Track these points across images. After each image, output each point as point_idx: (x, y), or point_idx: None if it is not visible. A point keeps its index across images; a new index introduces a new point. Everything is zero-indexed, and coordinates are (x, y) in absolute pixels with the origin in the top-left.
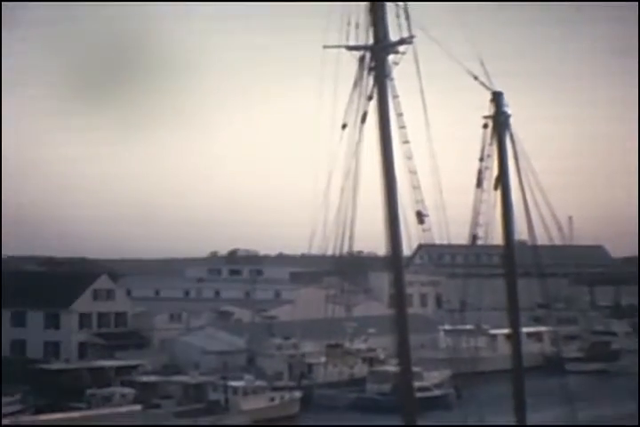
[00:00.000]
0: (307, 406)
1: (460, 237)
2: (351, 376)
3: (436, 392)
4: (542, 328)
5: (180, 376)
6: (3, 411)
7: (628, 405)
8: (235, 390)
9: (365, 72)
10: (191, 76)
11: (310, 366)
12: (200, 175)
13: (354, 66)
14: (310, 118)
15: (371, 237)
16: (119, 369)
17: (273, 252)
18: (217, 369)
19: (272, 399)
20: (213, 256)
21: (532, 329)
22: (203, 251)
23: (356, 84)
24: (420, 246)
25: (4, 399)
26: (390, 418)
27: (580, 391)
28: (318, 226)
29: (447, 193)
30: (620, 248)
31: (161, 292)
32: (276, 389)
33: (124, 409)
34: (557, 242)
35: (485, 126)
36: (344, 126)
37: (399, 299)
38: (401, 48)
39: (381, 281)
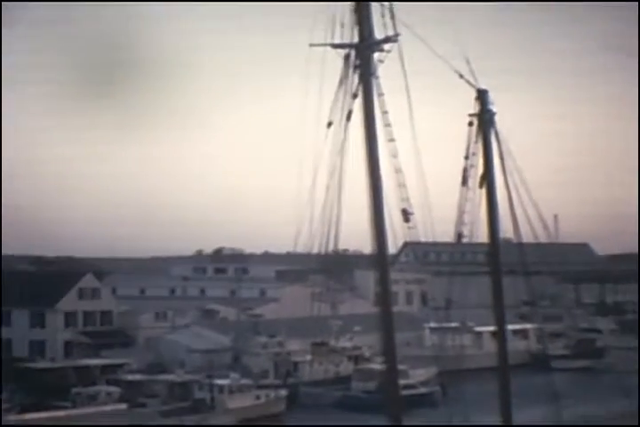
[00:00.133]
0: (292, 404)
1: (446, 235)
2: (337, 374)
3: (422, 390)
4: (528, 326)
5: (166, 375)
6: None
7: (616, 402)
8: (220, 388)
9: (351, 70)
10: (184, 75)
11: (296, 364)
12: (192, 175)
13: (340, 64)
14: (296, 117)
15: (356, 236)
16: (104, 368)
17: (258, 250)
18: (202, 368)
19: (258, 398)
20: (199, 255)
21: (517, 327)
22: (188, 249)
23: (341, 83)
24: (406, 244)
25: None
26: (375, 416)
27: (567, 389)
28: (304, 224)
29: (433, 191)
30: (607, 246)
31: (146, 290)
32: (261, 387)
33: (109, 408)
34: (543, 240)
35: (471, 124)
36: (329, 124)
37: (384, 297)
38: (386, 46)
39: (367, 279)
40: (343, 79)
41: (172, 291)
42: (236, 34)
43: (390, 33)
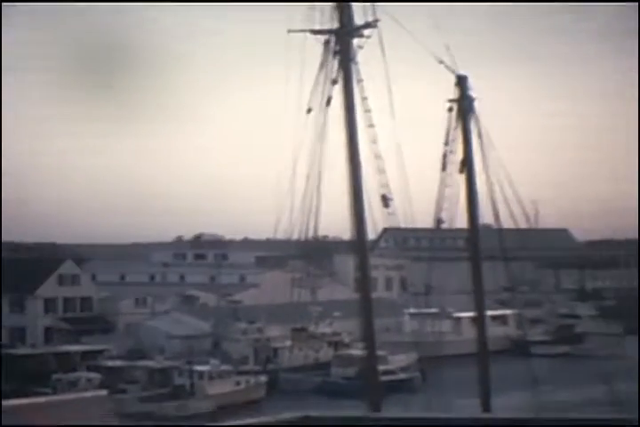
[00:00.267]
0: (272, 390)
1: (425, 220)
2: (316, 360)
3: (401, 376)
4: (507, 311)
5: (146, 361)
6: None
7: (594, 388)
8: (200, 374)
9: (330, 56)
10: (175, 67)
11: (275, 350)
12: (185, 166)
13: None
14: (276, 104)
15: (336, 223)
16: (85, 354)
17: (238, 236)
18: (182, 354)
19: (238, 384)
20: (179, 241)
21: (497, 312)
22: (168, 236)
23: (321, 68)
24: (385, 230)
25: None
26: (355, 402)
27: (546, 375)
28: (284, 213)
29: (412, 177)
30: (585, 232)
31: (126, 276)
32: (241, 373)
33: (89, 394)
34: (522, 225)
35: (450, 110)
36: (309, 111)
37: (364, 283)
38: (366, 32)
39: (346, 265)
40: (323, 65)
41: (152, 277)
42: (225, 23)
43: (370, 19)
